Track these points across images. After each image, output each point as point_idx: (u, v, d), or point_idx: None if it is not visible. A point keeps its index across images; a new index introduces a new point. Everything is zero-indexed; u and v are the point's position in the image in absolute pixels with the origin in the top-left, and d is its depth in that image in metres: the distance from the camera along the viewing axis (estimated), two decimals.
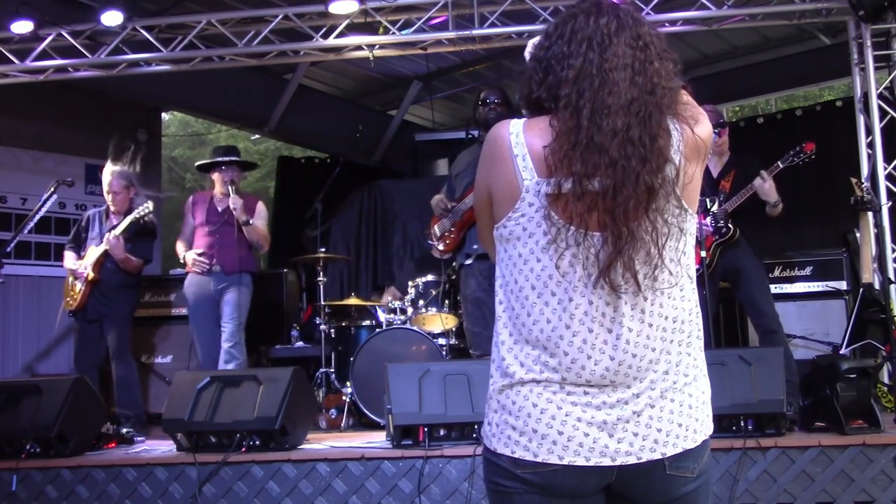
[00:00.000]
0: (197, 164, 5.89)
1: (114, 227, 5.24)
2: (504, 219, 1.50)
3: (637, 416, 1.45)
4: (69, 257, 5.39)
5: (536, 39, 1.59)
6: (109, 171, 5.34)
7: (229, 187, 5.31)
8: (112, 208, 5.36)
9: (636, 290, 1.43)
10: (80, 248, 5.40)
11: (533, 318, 1.48)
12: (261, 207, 5.55)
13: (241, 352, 5.36)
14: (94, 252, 5.26)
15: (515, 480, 1.48)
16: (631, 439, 1.45)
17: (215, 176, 5.50)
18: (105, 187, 5.35)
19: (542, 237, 1.46)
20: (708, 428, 1.52)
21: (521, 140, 1.49)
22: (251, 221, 5.31)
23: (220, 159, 5.51)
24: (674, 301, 1.48)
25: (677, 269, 1.48)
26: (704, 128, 1.51)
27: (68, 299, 5.32)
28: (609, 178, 1.40)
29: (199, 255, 5.33)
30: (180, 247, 5.54)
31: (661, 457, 1.46)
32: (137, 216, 5.22)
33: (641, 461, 1.45)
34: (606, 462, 1.45)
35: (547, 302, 1.47)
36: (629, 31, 1.47)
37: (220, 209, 5.46)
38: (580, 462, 1.44)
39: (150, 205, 5.31)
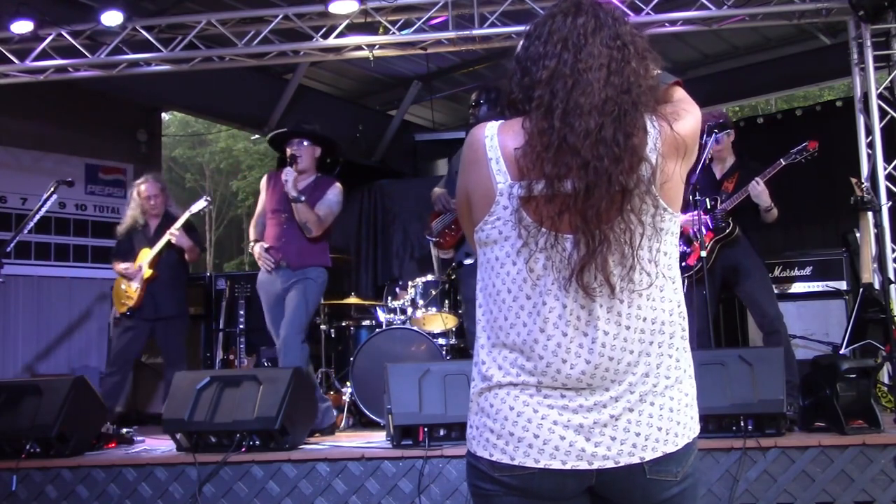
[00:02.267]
0: (269, 135, 5.27)
1: (156, 228, 5.51)
2: (481, 222, 1.50)
3: (615, 420, 1.44)
4: (121, 265, 5.53)
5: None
6: (141, 180, 5.64)
7: (295, 163, 4.75)
8: (152, 213, 5.58)
9: (611, 293, 1.42)
10: (126, 257, 5.54)
11: (510, 322, 1.48)
12: (332, 194, 4.88)
13: (298, 357, 4.68)
14: (147, 253, 5.45)
15: (494, 483, 1.48)
16: (608, 443, 1.43)
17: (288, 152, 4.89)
18: (143, 194, 5.55)
19: (516, 240, 1.45)
20: (692, 431, 1.50)
21: (495, 143, 1.49)
22: (302, 199, 4.69)
23: (279, 131, 5.05)
24: (652, 302, 1.46)
25: (655, 269, 1.45)
26: (685, 124, 1.48)
27: (123, 300, 5.46)
28: (581, 179, 1.39)
29: (267, 249, 4.84)
30: (252, 231, 5.09)
31: (639, 461, 1.44)
32: (200, 208, 5.56)
33: (619, 465, 1.43)
34: (583, 466, 1.43)
35: (522, 305, 1.47)
36: (607, 30, 1.46)
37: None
38: (556, 465, 1.43)
39: (207, 198, 5.69)
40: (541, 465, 1.44)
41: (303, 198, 4.70)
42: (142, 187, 5.58)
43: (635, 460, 1.43)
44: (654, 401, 1.45)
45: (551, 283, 1.44)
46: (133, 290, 5.42)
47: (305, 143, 4.89)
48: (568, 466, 1.43)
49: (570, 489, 1.46)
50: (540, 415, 1.44)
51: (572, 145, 1.40)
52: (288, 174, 4.69)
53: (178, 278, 5.57)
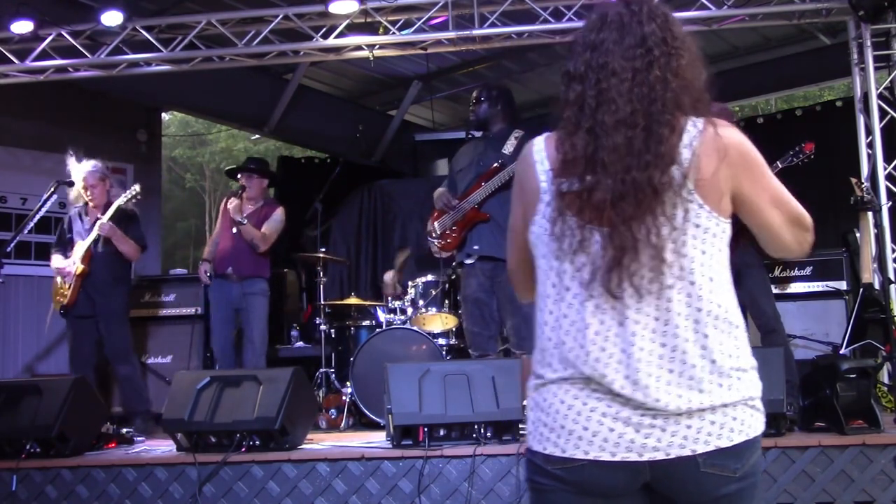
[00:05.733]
0: (226, 169, 6.33)
1: (94, 221, 5.29)
2: (531, 223, 1.58)
3: (664, 412, 1.44)
4: (56, 259, 5.41)
5: None
6: (80, 168, 5.41)
7: (242, 192, 5.65)
8: (91, 203, 5.41)
9: (639, 292, 1.44)
10: (66, 249, 5.42)
11: (554, 316, 1.53)
12: (276, 214, 5.74)
13: (264, 361, 5.66)
14: (81, 246, 5.29)
15: (548, 477, 1.51)
16: (658, 435, 1.44)
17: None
18: (80, 184, 5.39)
19: (553, 240, 1.52)
20: (751, 429, 1.48)
21: (541, 147, 1.59)
22: (244, 222, 5.52)
23: (231, 168, 5.97)
24: (688, 298, 1.47)
25: (686, 266, 1.47)
26: (733, 132, 1.51)
27: (58, 298, 5.33)
28: (610, 189, 1.44)
29: (210, 261, 5.73)
30: (207, 248, 5.99)
31: (691, 454, 1.44)
32: (127, 198, 5.30)
33: (671, 457, 1.44)
34: (633, 457, 1.44)
35: (560, 304, 1.52)
36: (630, 38, 1.49)
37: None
38: (605, 457, 1.45)
39: (136, 187, 5.40)
40: (590, 457, 1.46)
41: (245, 221, 5.54)
42: (79, 176, 5.38)
43: (686, 452, 1.44)
44: (704, 401, 1.45)
45: (584, 281, 1.49)
46: (67, 286, 5.25)
47: (255, 177, 5.77)
48: (617, 458, 1.45)
49: (622, 483, 1.47)
50: (589, 407, 1.47)
51: (601, 160, 1.46)
52: (231, 203, 5.62)
53: (117, 275, 5.35)
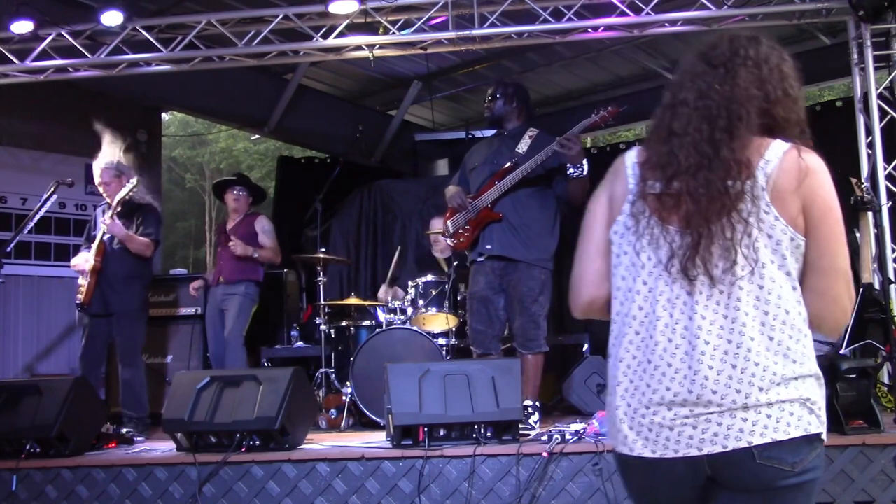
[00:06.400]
0: (214, 182, 6.67)
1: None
2: (614, 222, 1.71)
3: (720, 408, 1.52)
4: (79, 256, 5.41)
5: None
6: (97, 165, 5.38)
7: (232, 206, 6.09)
8: (109, 201, 5.37)
9: (713, 281, 1.55)
10: (89, 247, 5.41)
11: (628, 309, 1.64)
12: (267, 225, 6.03)
13: (240, 359, 5.79)
14: (96, 243, 5.28)
15: (624, 475, 1.67)
16: (715, 429, 1.52)
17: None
18: (97, 181, 5.38)
19: (634, 231, 1.65)
20: (809, 425, 1.56)
21: (632, 154, 1.75)
22: (256, 255, 5.84)
23: (221, 179, 6.27)
24: (757, 301, 1.54)
25: (761, 271, 1.54)
26: (815, 158, 1.62)
27: (78, 295, 5.32)
28: (687, 185, 1.59)
29: (198, 284, 6.15)
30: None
31: (747, 445, 1.51)
32: (126, 191, 5.22)
33: (728, 450, 1.51)
34: (693, 452, 1.53)
35: (636, 295, 1.63)
36: (704, 61, 1.69)
37: (226, 227, 6.15)
38: (669, 455, 1.56)
39: (134, 179, 5.27)
40: (657, 455, 1.57)
41: (257, 254, 5.85)
42: (97, 173, 5.34)
43: (743, 444, 1.51)
44: (761, 398, 1.52)
45: (655, 279, 1.61)
46: (84, 284, 5.23)
47: (243, 192, 6.08)
48: (680, 455, 1.55)
49: (683, 478, 1.57)
50: (651, 411, 1.58)
51: (676, 160, 1.61)
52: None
53: (131, 272, 5.30)
